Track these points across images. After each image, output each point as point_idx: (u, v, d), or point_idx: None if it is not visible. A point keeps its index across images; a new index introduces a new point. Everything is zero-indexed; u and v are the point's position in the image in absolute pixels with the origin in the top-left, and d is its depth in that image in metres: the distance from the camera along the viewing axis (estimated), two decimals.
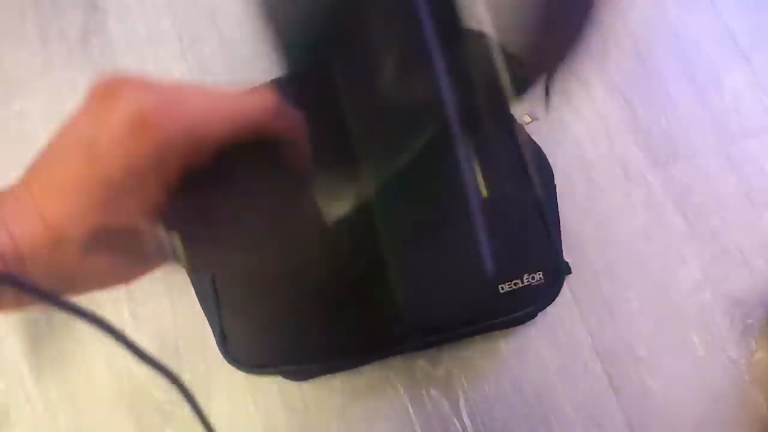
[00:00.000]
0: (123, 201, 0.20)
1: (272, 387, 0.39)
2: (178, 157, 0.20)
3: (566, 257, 0.40)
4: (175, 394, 0.39)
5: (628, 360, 0.38)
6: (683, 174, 0.41)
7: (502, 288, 0.33)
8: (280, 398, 0.38)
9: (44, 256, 0.20)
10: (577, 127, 0.42)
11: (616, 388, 0.37)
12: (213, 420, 0.39)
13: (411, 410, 0.38)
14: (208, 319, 0.35)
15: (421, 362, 0.38)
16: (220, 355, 0.40)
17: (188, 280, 0.41)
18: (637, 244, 0.40)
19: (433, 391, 0.38)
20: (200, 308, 0.40)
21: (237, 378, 0.39)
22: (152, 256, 0.22)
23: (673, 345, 0.38)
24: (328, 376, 0.38)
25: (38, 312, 0.41)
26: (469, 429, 0.37)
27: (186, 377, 0.39)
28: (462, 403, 0.38)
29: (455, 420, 0.37)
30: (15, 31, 0.49)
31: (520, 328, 0.38)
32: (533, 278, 0.33)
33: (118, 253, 0.22)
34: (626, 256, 0.40)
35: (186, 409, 0.39)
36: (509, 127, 0.35)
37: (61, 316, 0.41)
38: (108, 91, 0.20)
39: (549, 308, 0.39)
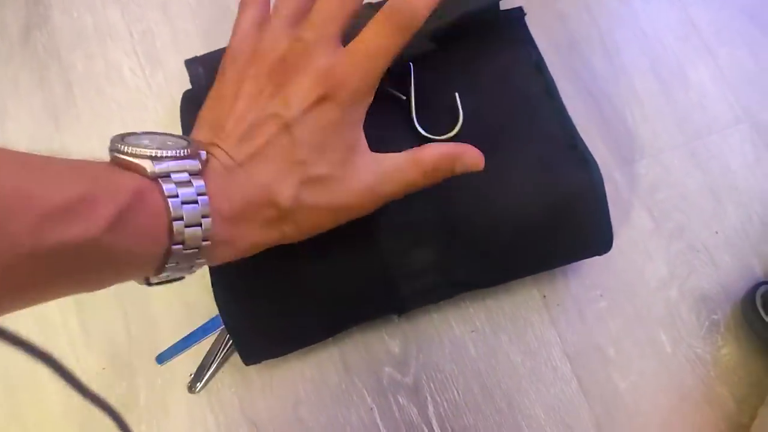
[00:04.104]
0: None
1: (233, 400, 0.37)
2: None
3: None
4: (130, 413, 0.37)
5: (597, 361, 0.37)
6: (649, 170, 0.41)
7: None
8: (241, 411, 0.37)
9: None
10: None
11: (586, 390, 0.37)
12: None
13: (378, 418, 0.37)
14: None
15: (388, 369, 0.37)
16: (177, 370, 0.38)
17: (140, 287, 0.39)
18: None
19: (401, 399, 0.37)
20: (155, 320, 0.38)
21: (195, 393, 0.37)
22: None
23: (641, 344, 0.38)
24: (292, 383, 0.37)
25: None
26: None
27: (141, 394, 0.37)
28: (431, 410, 0.37)
29: (424, 427, 0.36)
30: None
31: (490, 334, 0.38)
32: None
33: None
34: None
35: (142, 427, 0.37)
36: None
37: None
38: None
39: (520, 311, 0.38)
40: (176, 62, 0.44)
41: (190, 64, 0.37)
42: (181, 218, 0.23)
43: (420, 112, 0.34)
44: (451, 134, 0.33)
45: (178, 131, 0.38)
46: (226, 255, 0.26)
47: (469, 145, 0.29)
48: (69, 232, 0.19)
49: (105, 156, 0.43)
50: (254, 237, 0.27)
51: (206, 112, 0.29)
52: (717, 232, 0.40)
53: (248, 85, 0.28)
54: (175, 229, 0.23)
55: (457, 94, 0.34)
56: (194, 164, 0.24)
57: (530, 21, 0.37)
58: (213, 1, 0.45)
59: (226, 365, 0.38)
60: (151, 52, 0.44)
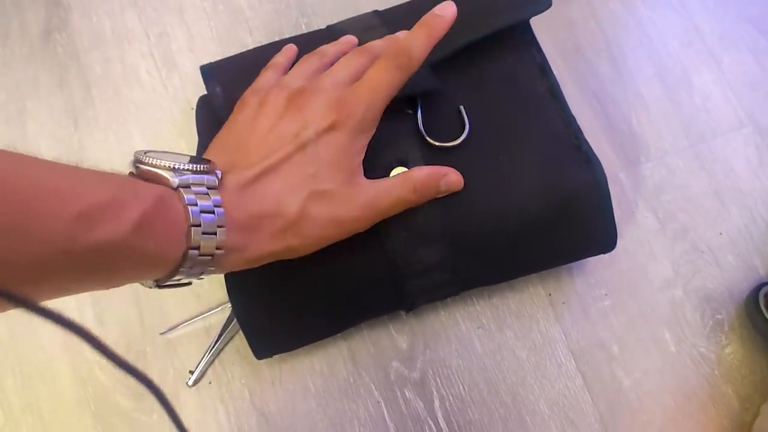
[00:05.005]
0: None
1: (243, 392, 0.38)
2: None
3: None
4: (142, 402, 0.38)
5: (601, 358, 0.38)
6: (654, 172, 0.42)
7: None
8: (251, 403, 0.38)
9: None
10: None
11: (590, 386, 0.37)
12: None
13: (385, 412, 0.37)
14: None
15: (395, 364, 0.38)
16: (189, 362, 0.39)
17: None
18: None
19: (407, 393, 0.38)
20: (168, 311, 0.39)
21: (207, 385, 0.38)
22: None
23: (645, 342, 0.38)
24: (301, 376, 0.38)
25: None
26: (444, 431, 0.37)
27: None
28: (437, 404, 0.37)
29: (430, 422, 0.37)
30: None
31: (496, 330, 0.38)
32: None
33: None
34: None
35: (154, 416, 0.38)
36: None
37: (21, 321, 0.39)
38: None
39: (525, 309, 0.39)
40: (192, 65, 0.45)
41: (208, 79, 0.38)
42: (198, 225, 0.25)
43: (427, 117, 0.35)
44: (458, 141, 0.34)
45: (193, 132, 0.39)
46: (235, 263, 0.28)
47: (451, 168, 0.33)
48: (99, 232, 0.21)
49: (121, 157, 0.44)
50: (262, 247, 0.29)
51: (223, 136, 0.32)
52: (721, 234, 0.40)
53: (270, 107, 0.31)
54: (192, 235, 0.25)
55: (462, 107, 0.35)
56: (212, 180, 0.27)
57: (537, 27, 0.38)
58: (227, 6, 0.46)
59: (237, 358, 0.38)
60: (168, 55, 0.45)
